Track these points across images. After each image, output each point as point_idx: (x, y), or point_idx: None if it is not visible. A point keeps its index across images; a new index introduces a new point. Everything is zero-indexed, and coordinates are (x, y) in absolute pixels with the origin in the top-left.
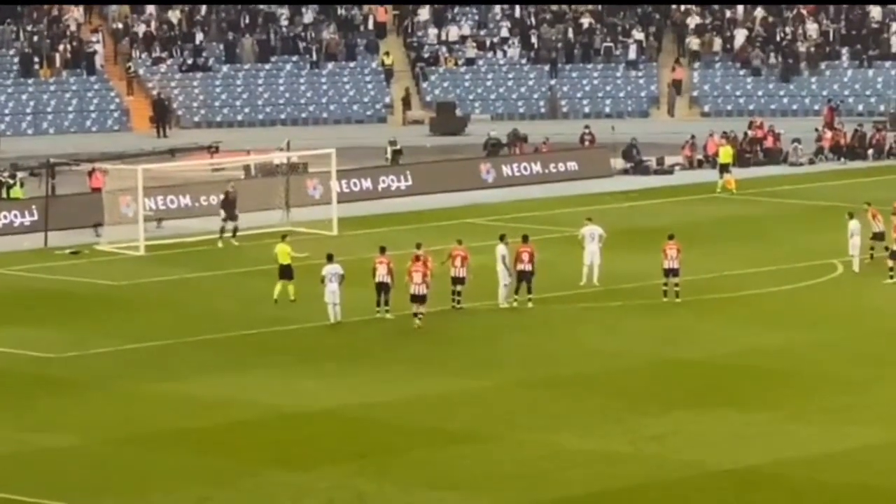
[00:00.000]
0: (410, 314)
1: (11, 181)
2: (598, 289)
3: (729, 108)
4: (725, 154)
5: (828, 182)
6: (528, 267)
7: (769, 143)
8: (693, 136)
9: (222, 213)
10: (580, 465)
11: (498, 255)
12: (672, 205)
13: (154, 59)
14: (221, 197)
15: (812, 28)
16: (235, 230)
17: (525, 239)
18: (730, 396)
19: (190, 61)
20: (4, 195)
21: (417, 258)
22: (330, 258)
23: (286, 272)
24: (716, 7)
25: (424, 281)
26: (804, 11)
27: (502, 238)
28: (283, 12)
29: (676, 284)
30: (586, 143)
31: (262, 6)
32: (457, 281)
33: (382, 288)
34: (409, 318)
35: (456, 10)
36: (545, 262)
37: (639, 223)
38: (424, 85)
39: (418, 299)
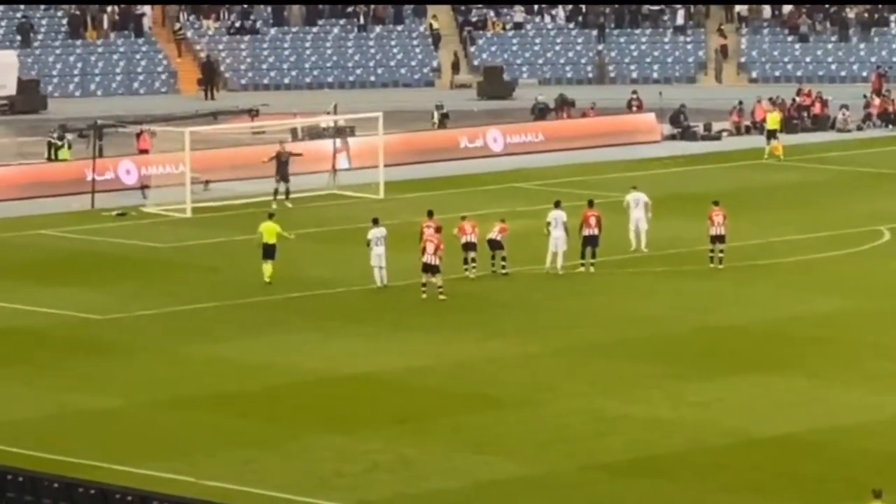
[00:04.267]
0: (422, 284)
1: (59, 143)
2: (644, 254)
3: (777, 74)
4: (773, 120)
5: (875, 149)
6: (596, 231)
7: (817, 109)
8: (741, 102)
9: (276, 176)
10: (623, 430)
11: (557, 220)
12: (719, 171)
13: (202, 21)
14: (273, 158)
15: None
16: (288, 192)
17: (591, 203)
18: (774, 363)
19: (238, 24)
20: (52, 157)
21: (435, 228)
22: (375, 222)
23: (270, 252)
24: None
25: (437, 252)
26: None
27: (557, 204)
28: None
29: (721, 251)
30: (634, 108)
31: None
32: (496, 245)
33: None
34: (455, 283)
35: None
36: None
37: (686, 189)
38: (472, 49)
39: (431, 269)
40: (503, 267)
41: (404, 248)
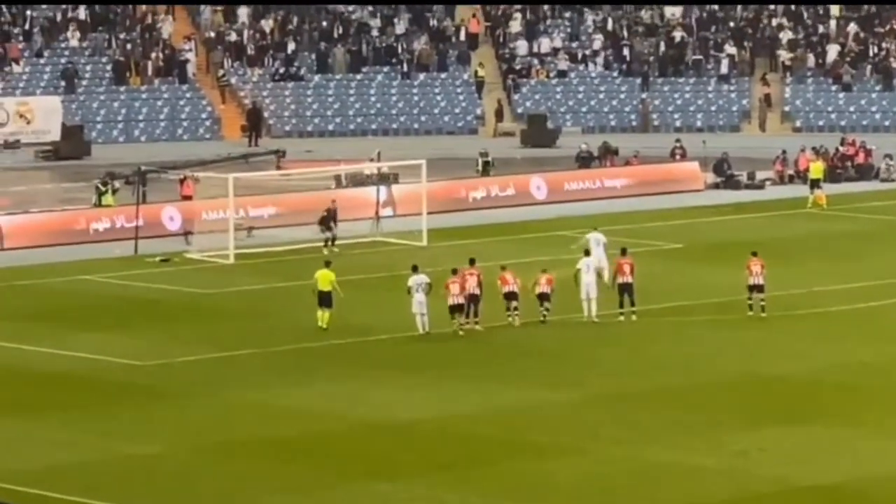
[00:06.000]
0: (465, 325)
1: (103, 188)
2: (683, 303)
3: (821, 123)
4: (816, 170)
5: None
6: (630, 279)
7: (860, 158)
8: (784, 152)
9: (319, 227)
10: (665, 479)
11: (589, 266)
12: (762, 220)
13: (246, 68)
14: (323, 214)
15: None
16: (334, 239)
17: (624, 251)
18: (817, 412)
19: (282, 70)
20: (99, 202)
21: (455, 271)
22: (415, 269)
23: (325, 299)
24: (808, 22)
25: (462, 293)
26: None
27: (587, 253)
28: (376, 23)
29: (762, 300)
30: (677, 156)
31: (354, 16)
32: (546, 297)
33: (472, 299)
34: (496, 331)
35: (548, 22)
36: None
37: (729, 237)
38: (516, 97)
39: (458, 308)
40: (543, 316)
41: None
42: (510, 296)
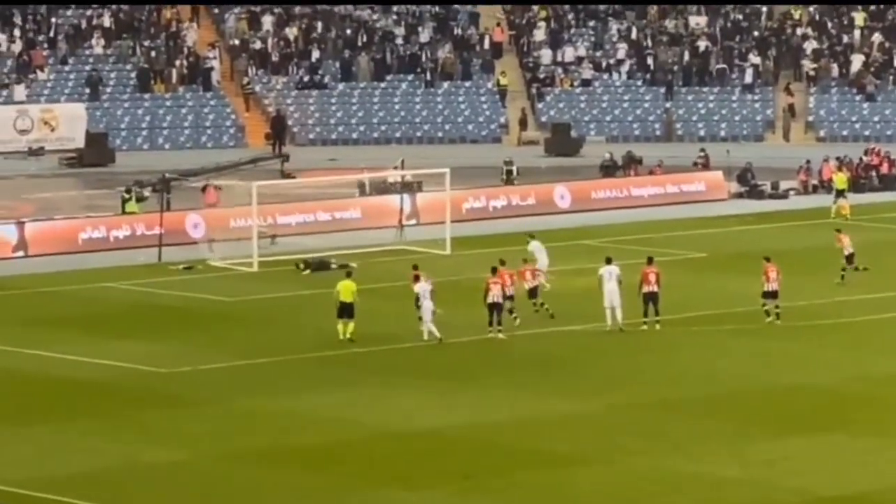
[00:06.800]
0: (496, 331)
1: (127, 195)
2: (707, 313)
3: (844, 133)
4: (840, 180)
5: None
6: (655, 288)
7: (884, 168)
8: (808, 161)
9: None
10: (688, 489)
11: (611, 274)
12: (786, 230)
13: (270, 76)
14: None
15: None
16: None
17: (650, 260)
18: (841, 422)
19: (306, 78)
20: (123, 210)
21: (417, 277)
22: (416, 279)
23: (347, 310)
24: (833, 32)
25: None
26: None
27: (609, 261)
28: (400, 31)
29: (777, 306)
30: (699, 166)
31: (378, 25)
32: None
33: (495, 308)
34: (518, 339)
35: (572, 31)
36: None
37: (753, 247)
38: (540, 105)
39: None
40: (536, 310)
41: (470, 303)
42: (509, 298)
